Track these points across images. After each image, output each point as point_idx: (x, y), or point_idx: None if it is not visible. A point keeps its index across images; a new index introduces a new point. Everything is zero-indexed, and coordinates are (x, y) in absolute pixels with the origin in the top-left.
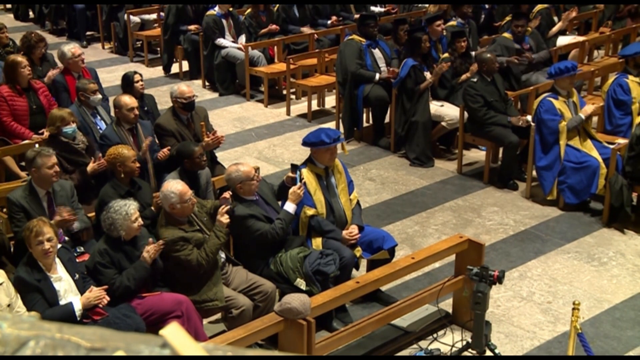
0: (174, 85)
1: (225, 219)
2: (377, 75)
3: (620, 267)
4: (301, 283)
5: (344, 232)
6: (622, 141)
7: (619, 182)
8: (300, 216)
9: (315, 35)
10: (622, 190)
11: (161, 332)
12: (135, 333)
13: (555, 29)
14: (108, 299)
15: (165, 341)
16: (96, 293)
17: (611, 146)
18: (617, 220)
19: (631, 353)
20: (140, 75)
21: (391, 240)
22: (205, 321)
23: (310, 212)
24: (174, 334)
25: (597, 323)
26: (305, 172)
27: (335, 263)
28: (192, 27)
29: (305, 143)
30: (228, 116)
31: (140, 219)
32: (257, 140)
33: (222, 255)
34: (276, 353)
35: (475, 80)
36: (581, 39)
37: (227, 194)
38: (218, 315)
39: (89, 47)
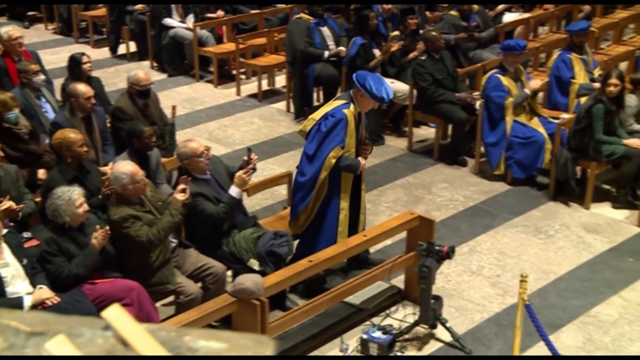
0: (131, 71)
1: (181, 196)
2: (326, 53)
3: (566, 239)
4: (254, 263)
5: (362, 161)
6: (566, 116)
7: (563, 156)
8: (328, 156)
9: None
10: (566, 165)
11: (102, 314)
12: (78, 316)
13: (500, 7)
14: (58, 299)
15: (107, 323)
16: (47, 295)
17: (556, 121)
18: (563, 193)
19: (575, 322)
20: (88, 56)
21: None
22: (158, 304)
23: (340, 152)
24: (116, 316)
25: (544, 294)
26: (349, 112)
27: (288, 244)
28: (138, 7)
29: (363, 86)
30: (177, 97)
31: (85, 205)
32: (208, 121)
33: (174, 240)
34: (228, 333)
35: (423, 58)
36: (526, 15)
37: (185, 177)
38: (171, 298)
39: (32, 27)
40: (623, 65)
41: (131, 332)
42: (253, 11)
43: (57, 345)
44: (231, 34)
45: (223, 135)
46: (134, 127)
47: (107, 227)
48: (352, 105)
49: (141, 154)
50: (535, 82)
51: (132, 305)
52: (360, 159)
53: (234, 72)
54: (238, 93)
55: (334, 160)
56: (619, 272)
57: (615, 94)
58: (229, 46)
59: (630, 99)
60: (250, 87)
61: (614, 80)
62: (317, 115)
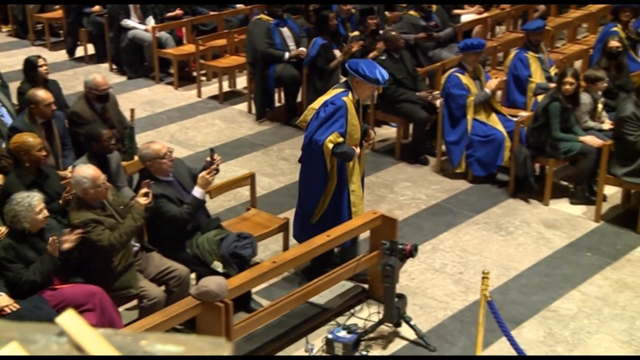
0: (89, 75)
1: (143, 199)
2: (287, 54)
3: (526, 236)
4: (218, 265)
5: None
6: (524, 114)
7: (522, 153)
8: (324, 143)
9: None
10: (525, 162)
11: (57, 320)
12: (31, 323)
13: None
14: (17, 306)
15: (61, 329)
16: (5, 302)
17: (515, 119)
18: (522, 190)
19: (536, 317)
20: (44, 59)
21: None
22: (121, 309)
23: (339, 139)
24: (71, 322)
25: (505, 290)
26: (348, 100)
27: (252, 246)
28: (95, 8)
29: (357, 72)
30: (137, 100)
31: (45, 211)
32: (169, 123)
33: (136, 244)
34: (194, 336)
35: (383, 58)
36: (484, 15)
37: (147, 181)
38: (135, 302)
39: None
40: (578, 64)
41: (86, 337)
42: (212, 12)
43: (10, 353)
44: (191, 35)
45: (184, 137)
46: (92, 130)
47: (79, 230)
48: (350, 93)
49: (101, 157)
50: (494, 82)
51: (94, 310)
52: (355, 147)
53: (195, 73)
54: (199, 95)
55: (331, 145)
56: (577, 266)
57: (571, 92)
58: (189, 48)
59: (585, 97)
60: (211, 88)
61: (569, 79)
62: (316, 104)
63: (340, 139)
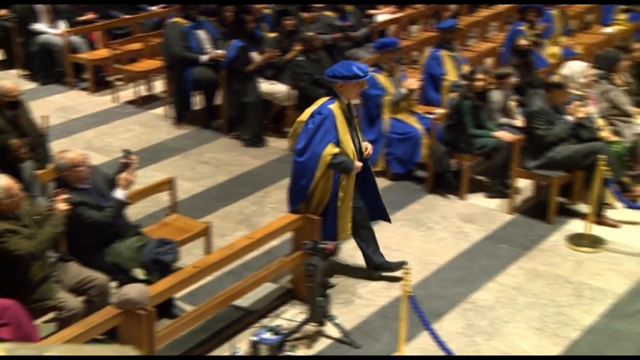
0: None
1: (62, 206)
2: (204, 57)
3: (445, 230)
4: (139, 272)
5: (357, 162)
6: (440, 111)
7: (439, 150)
8: (322, 154)
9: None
10: (442, 158)
11: None
12: None
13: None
14: None
15: None
16: None
17: (431, 116)
18: (440, 186)
19: (456, 309)
20: None
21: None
22: (39, 321)
23: (335, 150)
24: None
25: (426, 284)
26: (334, 107)
27: (174, 252)
28: (1, 12)
29: (335, 77)
30: (51, 106)
31: None
32: (85, 129)
33: (53, 255)
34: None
35: (301, 58)
36: (398, 15)
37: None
38: (53, 314)
39: None
40: (489, 61)
41: None
42: (126, 16)
43: None
44: (105, 39)
45: (101, 143)
46: (1, 140)
47: None
48: (336, 100)
49: (12, 166)
50: (412, 82)
51: (9, 325)
52: (356, 162)
53: (110, 78)
54: (115, 100)
55: (329, 158)
56: (494, 258)
57: (481, 88)
58: (103, 52)
59: (497, 94)
60: (127, 93)
61: (479, 76)
62: (303, 116)
63: (337, 150)
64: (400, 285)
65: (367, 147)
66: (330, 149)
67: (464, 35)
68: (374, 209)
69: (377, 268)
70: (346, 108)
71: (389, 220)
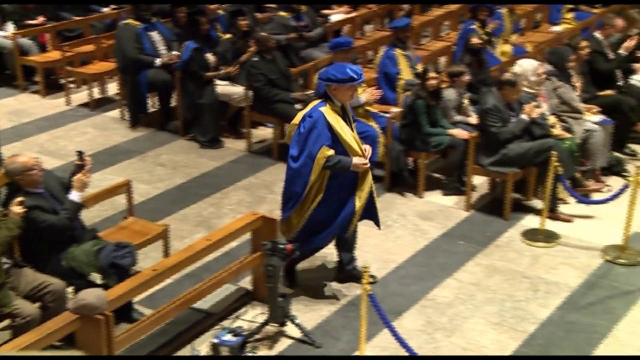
0: None
1: (18, 209)
2: (158, 60)
3: (403, 228)
4: (96, 277)
5: (355, 159)
6: (395, 110)
7: (395, 149)
8: (316, 157)
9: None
10: (398, 157)
11: None
12: None
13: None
14: None
15: None
16: None
17: (387, 115)
18: (397, 184)
19: (416, 306)
20: None
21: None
22: None
23: (329, 152)
24: None
25: (386, 283)
26: (325, 110)
27: (131, 255)
28: None
29: (329, 80)
30: (2, 110)
31: None
32: (37, 133)
33: (7, 261)
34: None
35: (256, 59)
36: (352, 15)
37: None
38: (8, 322)
39: None
40: (442, 60)
41: None
42: (77, 17)
43: None
44: (56, 41)
45: (55, 147)
46: None
47: None
48: (328, 103)
49: None
50: (374, 93)
51: None
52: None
53: (62, 81)
54: (68, 103)
55: (322, 161)
56: (451, 255)
57: (436, 86)
58: (54, 55)
59: (451, 93)
60: (81, 96)
61: (432, 74)
62: (296, 120)
63: (331, 152)
64: (360, 284)
65: (366, 148)
66: (324, 152)
67: (418, 34)
68: (366, 209)
69: (347, 274)
70: (340, 110)
71: (378, 226)
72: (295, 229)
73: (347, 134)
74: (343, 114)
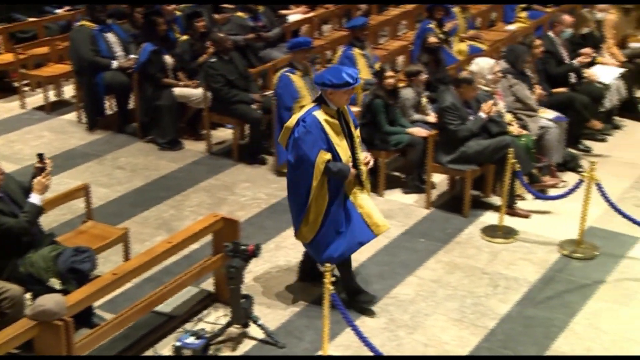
0: None
1: None
2: (115, 63)
3: None
4: (55, 282)
5: (353, 170)
6: (355, 109)
7: None
8: (316, 162)
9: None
10: None
11: None
12: None
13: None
14: None
15: None
16: None
17: None
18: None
19: (378, 305)
20: None
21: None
22: None
23: (327, 156)
24: None
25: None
26: (319, 114)
27: (91, 260)
28: None
29: (324, 84)
30: None
31: None
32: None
33: None
34: None
35: (213, 60)
36: (310, 15)
37: None
38: None
39: None
40: (400, 59)
41: None
42: (30, 19)
43: None
44: (8, 43)
45: (10, 151)
46: None
47: None
48: (322, 106)
49: None
50: None
51: None
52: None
53: (16, 84)
54: (23, 106)
55: (322, 166)
56: (413, 253)
57: (392, 86)
58: (6, 57)
59: (409, 92)
60: (36, 99)
61: (389, 73)
62: (290, 123)
63: (328, 155)
64: (322, 284)
65: (367, 157)
66: (322, 156)
67: (375, 34)
68: None
69: (309, 273)
70: (336, 114)
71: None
72: (310, 235)
73: (340, 139)
74: (339, 118)
